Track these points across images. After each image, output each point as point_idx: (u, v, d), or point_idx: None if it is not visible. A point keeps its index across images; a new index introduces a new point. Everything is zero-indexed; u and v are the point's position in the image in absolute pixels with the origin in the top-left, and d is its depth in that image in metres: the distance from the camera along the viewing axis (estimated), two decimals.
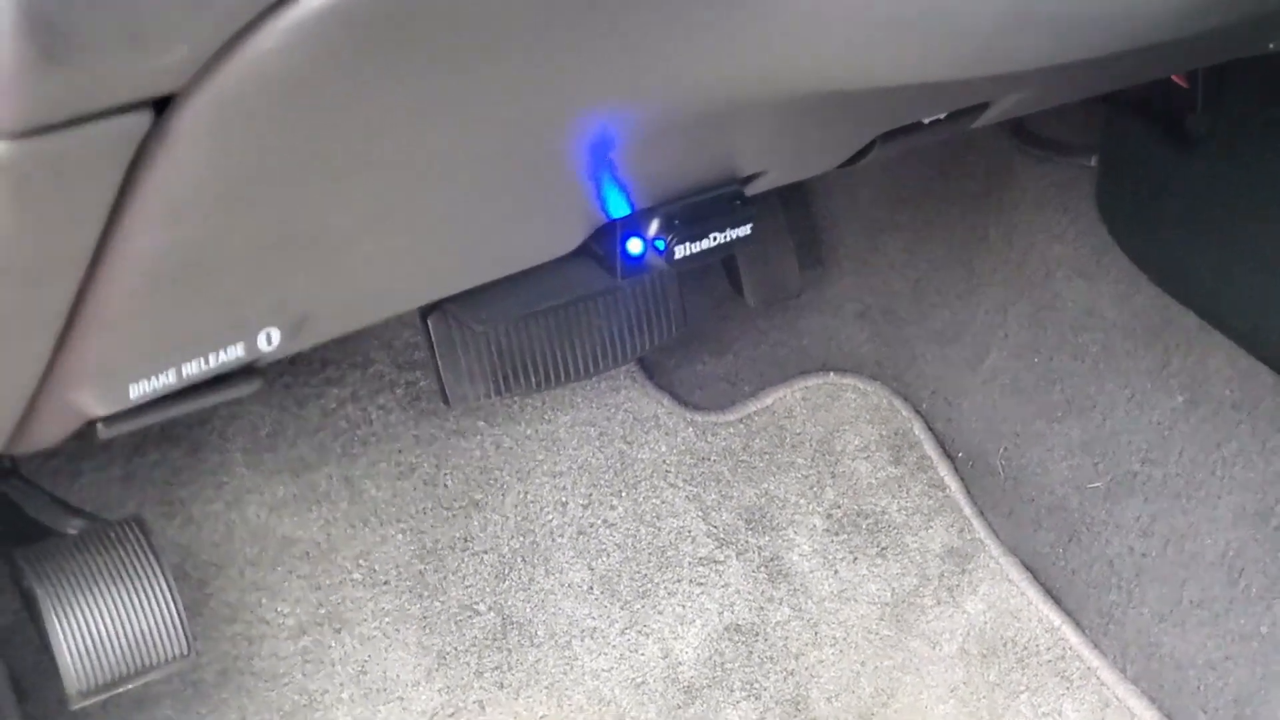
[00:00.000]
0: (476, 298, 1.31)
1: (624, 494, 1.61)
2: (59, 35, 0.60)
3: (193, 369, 0.93)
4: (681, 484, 1.63)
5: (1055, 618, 1.54)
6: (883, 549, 1.61)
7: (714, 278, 1.74)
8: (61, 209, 0.71)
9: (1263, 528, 1.45)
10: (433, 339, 1.46)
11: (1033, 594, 1.56)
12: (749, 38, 0.82)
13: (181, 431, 1.54)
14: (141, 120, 0.67)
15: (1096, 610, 1.53)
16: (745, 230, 1.12)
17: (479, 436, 1.62)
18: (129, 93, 0.65)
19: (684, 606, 1.54)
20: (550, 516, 1.59)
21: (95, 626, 1.11)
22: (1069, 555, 1.56)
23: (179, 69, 0.65)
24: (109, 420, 0.96)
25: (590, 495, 1.61)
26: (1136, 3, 0.83)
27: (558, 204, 1.03)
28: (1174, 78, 1.46)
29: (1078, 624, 1.53)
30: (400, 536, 1.55)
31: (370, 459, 1.58)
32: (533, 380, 1.52)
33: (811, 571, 1.58)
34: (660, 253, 1.11)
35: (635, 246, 1.12)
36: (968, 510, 1.63)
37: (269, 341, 0.95)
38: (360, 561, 1.53)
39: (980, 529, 1.61)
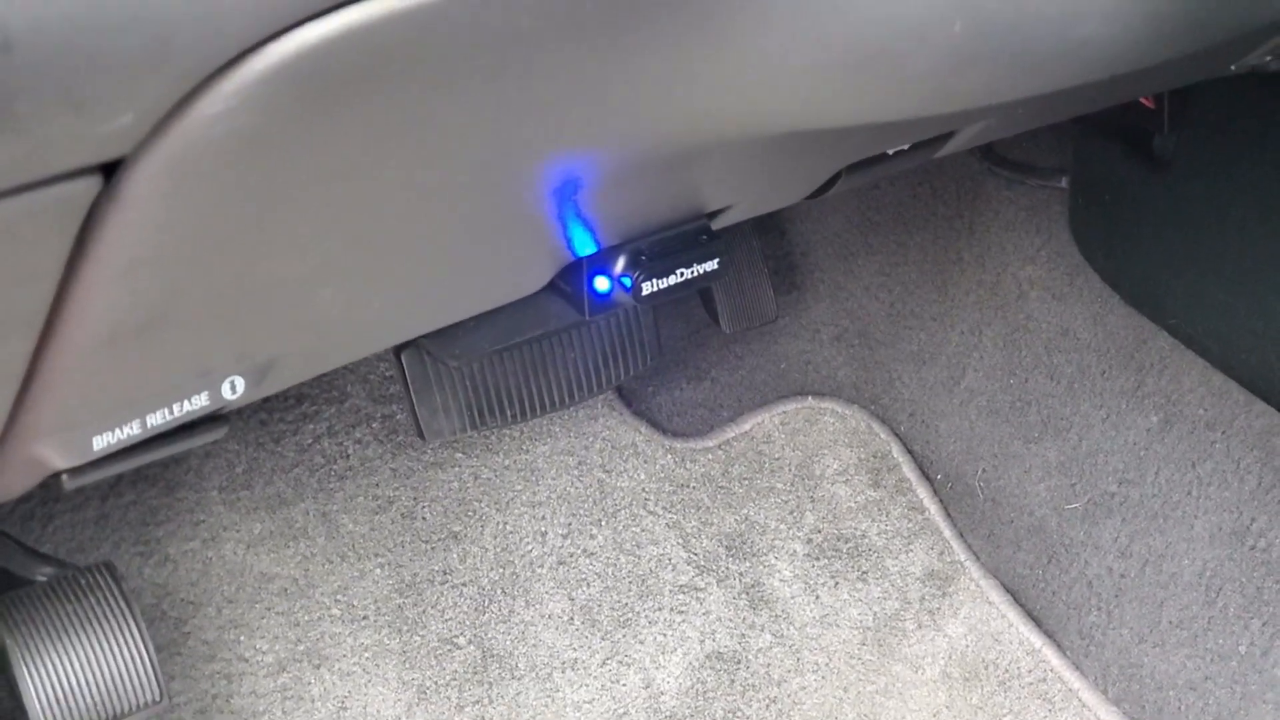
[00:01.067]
0: (450, 333, 1.31)
1: (603, 523, 1.61)
2: (1, 105, 0.60)
3: (157, 419, 0.93)
4: (661, 511, 1.63)
5: (1036, 640, 1.54)
6: (864, 573, 1.60)
7: (690, 305, 1.74)
8: (13, 270, 0.71)
9: (1239, 547, 1.45)
10: (407, 375, 1.45)
11: (1013, 616, 1.56)
12: (706, 83, 0.82)
13: (157, 471, 1.54)
14: (90, 185, 0.67)
15: (1077, 631, 1.53)
16: (713, 265, 1.12)
17: (457, 468, 1.62)
18: (76, 159, 0.65)
19: (665, 635, 1.54)
20: (530, 547, 1.58)
21: (66, 675, 1.10)
22: (1049, 576, 1.56)
23: (126, 135, 0.65)
24: (73, 472, 0.95)
25: (570, 525, 1.60)
26: (1091, 40, 0.83)
27: (522, 245, 1.03)
28: (1140, 99, 1.47)
29: (1059, 646, 1.53)
30: (379, 571, 1.54)
31: (347, 493, 1.58)
32: (508, 414, 1.52)
33: (793, 597, 1.58)
34: (627, 290, 1.11)
35: (602, 284, 1.12)
36: (947, 532, 1.63)
37: (234, 389, 0.95)
38: (339, 597, 1.52)
39: (960, 551, 1.62)
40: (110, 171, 0.68)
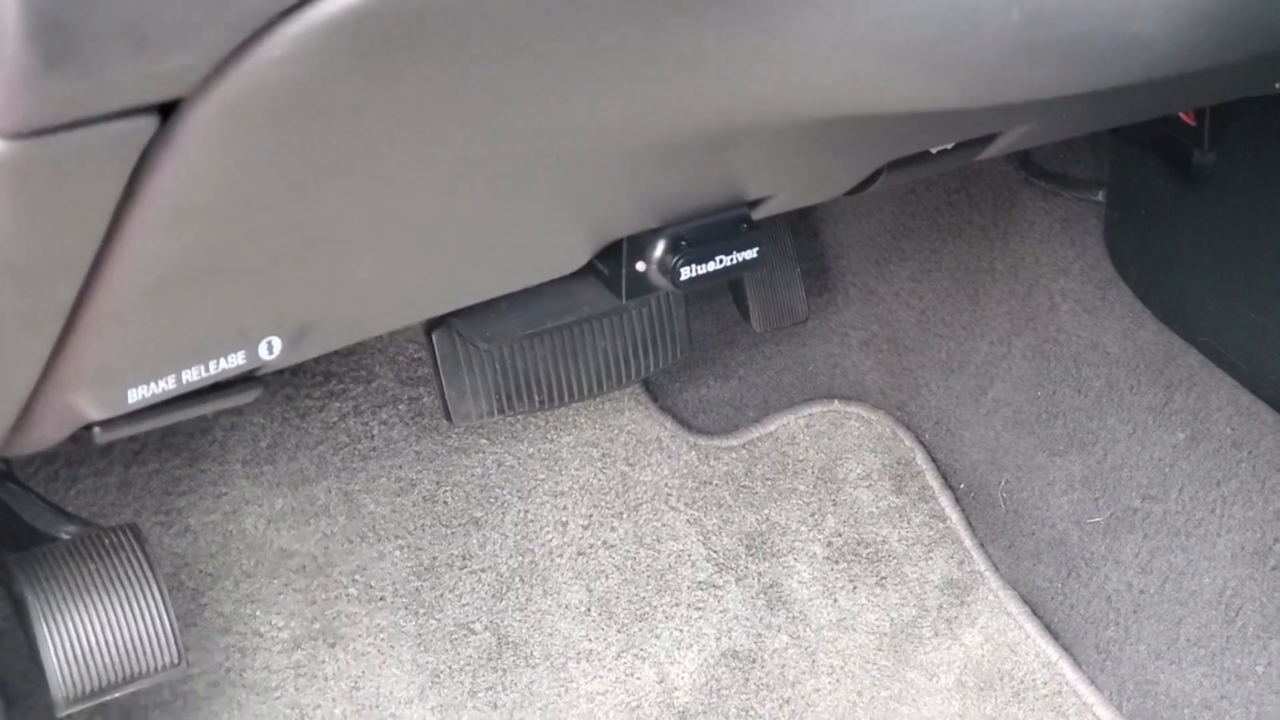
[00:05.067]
0: (481, 315, 1.31)
1: (625, 516, 1.61)
2: (64, 38, 0.60)
3: (193, 375, 0.93)
4: (683, 507, 1.63)
5: (1052, 652, 1.53)
6: (882, 579, 1.60)
7: (720, 302, 1.74)
8: (64, 211, 0.71)
9: (1260, 567, 1.45)
10: (437, 356, 1.45)
11: (1031, 628, 1.55)
12: (759, 64, 0.82)
13: (181, 441, 1.54)
14: (147, 125, 0.67)
15: (1094, 646, 1.52)
16: (752, 254, 1.12)
17: (480, 454, 1.62)
18: (134, 97, 0.65)
19: (681, 631, 1.54)
20: (550, 536, 1.58)
21: (85, 633, 1.10)
22: (1068, 590, 1.56)
23: (186, 75, 0.65)
24: (106, 425, 0.96)
25: (591, 516, 1.60)
26: (1141, 37, 0.83)
27: (564, 220, 1.03)
28: (1181, 114, 1.46)
29: (1075, 659, 1.53)
30: (398, 553, 1.54)
31: (370, 474, 1.58)
32: (536, 400, 1.52)
33: (810, 599, 1.58)
34: (667, 273, 1.11)
35: (641, 266, 1.11)
36: (968, 542, 1.63)
37: (270, 350, 0.95)
38: (357, 577, 1.52)
39: (980, 561, 1.61)
40: (167, 113, 0.68)
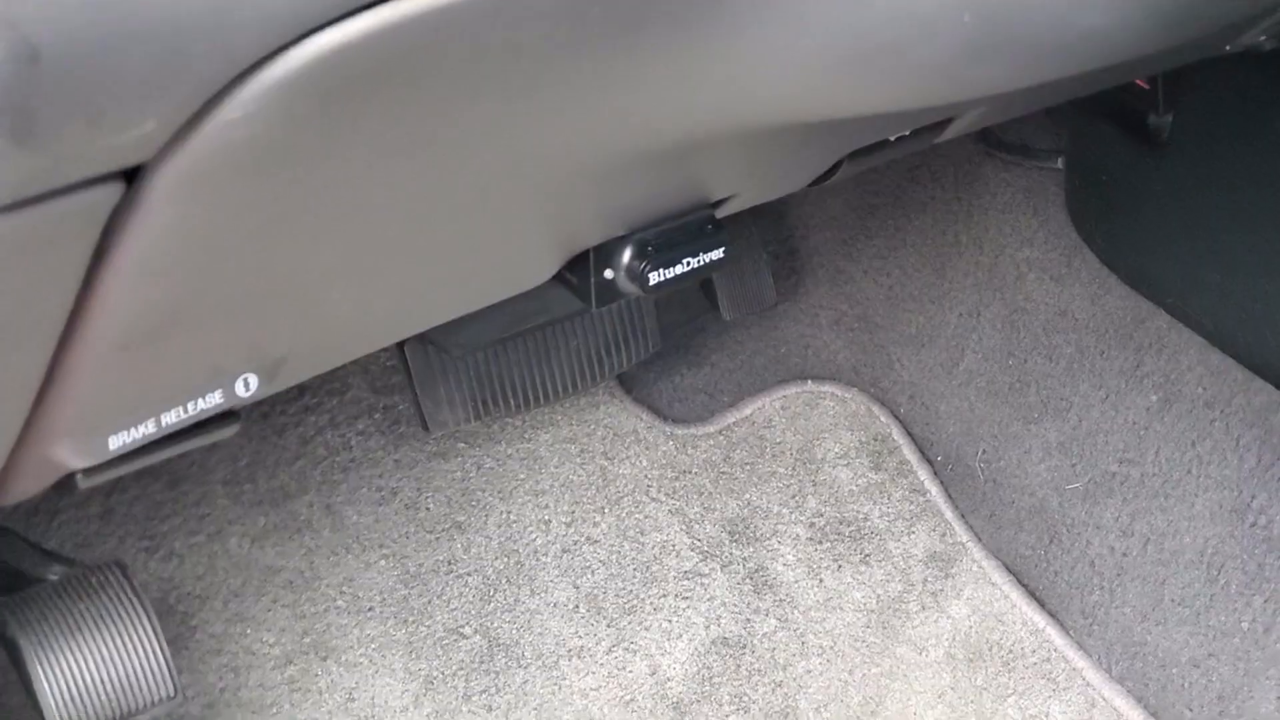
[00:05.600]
0: (453, 324, 1.31)
1: (607, 510, 1.62)
2: (24, 117, 0.60)
3: (171, 418, 0.94)
4: (664, 498, 1.63)
5: (1039, 619, 1.55)
6: (866, 556, 1.61)
7: (688, 292, 1.75)
8: (35, 277, 0.72)
9: (1239, 524, 1.46)
10: (410, 367, 1.46)
11: (1016, 596, 1.57)
12: (715, 79, 0.82)
13: (160, 465, 1.54)
14: (112, 191, 0.68)
15: (1080, 611, 1.54)
16: (719, 254, 1.13)
17: (459, 458, 1.62)
18: (97, 166, 0.66)
19: (670, 622, 1.55)
20: (534, 536, 1.59)
21: (80, 673, 1.11)
22: (1051, 556, 1.57)
23: (146, 142, 0.65)
24: (88, 472, 0.96)
25: (573, 513, 1.61)
26: (1092, 29, 0.84)
27: (530, 238, 1.03)
28: (1135, 80, 1.47)
29: (1062, 625, 1.54)
30: (383, 562, 1.55)
31: (351, 485, 1.58)
32: (512, 403, 1.52)
33: (796, 581, 1.59)
34: (635, 279, 1.11)
35: (609, 274, 1.12)
36: (949, 514, 1.64)
37: (247, 387, 0.96)
38: (344, 589, 1.53)
39: (962, 533, 1.62)
40: (131, 178, 0.68)
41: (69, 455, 0.92)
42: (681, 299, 1.75)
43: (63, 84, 0.61)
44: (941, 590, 1.59)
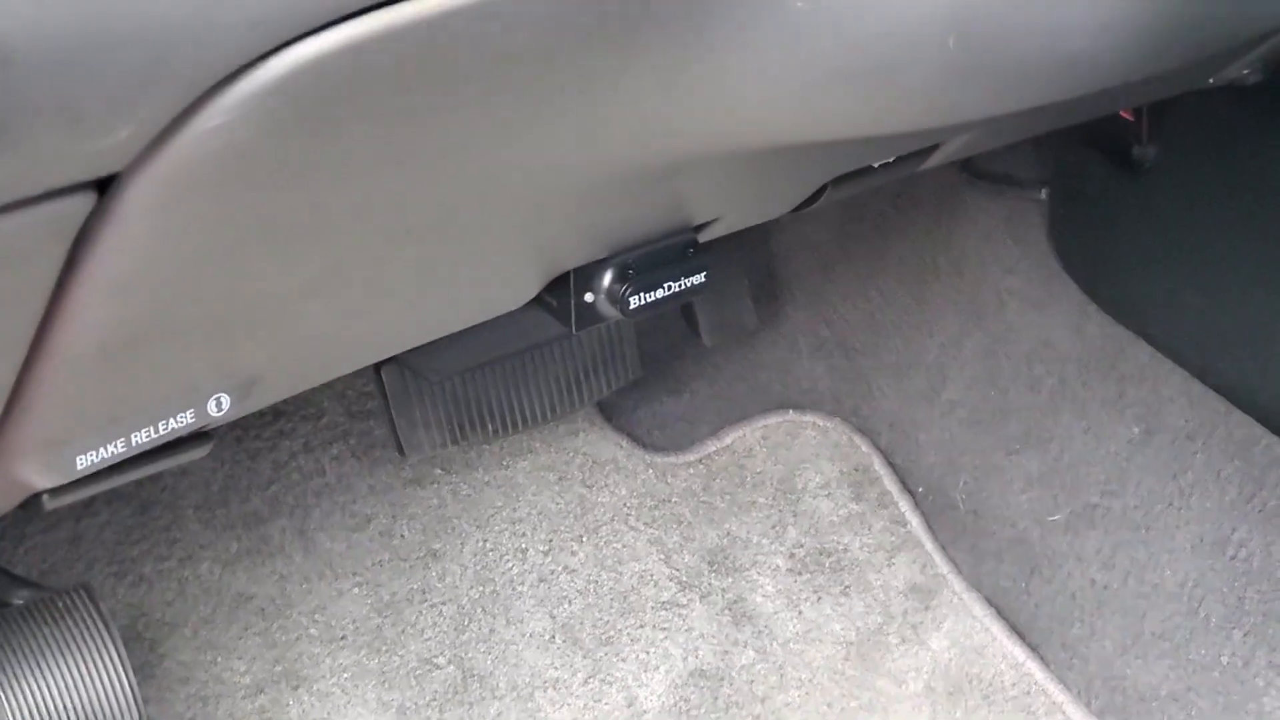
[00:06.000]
0: (430, 348, 1.29)
1: (584, 539, 1.60)
2: None
3: (141, 438, 0.92)
4: (642, 527, 1.62)
5: (1019, 653, 1.53)
6: (846, 587, 1.60)
7: (669, 318, 1.73)
8: (4, 288, 0.70)
9: (1220, 557, 1.45)
10: (386, 390, 1.44)
11: (996, 629, 1.55)
12: (702, 99, 0.81)
13: (131, 489, 1.52)
14: (85, 200, 0.66)
15: (1060, 644, 1.53)
16: (700, 278, 1.12)
17: (436, 485, 1.61)
18: (71, 175, 0.64)
19: (648, 653, 1.53)
20: (510, 564, 1.57)
21: (44, 700, 1.08)
22: (1031, 589, 1.56)
23: (121, 150, 0.64)
24: (54, 491, 0.94)
25: (550, 541, 1.59)
26: (1079, 55, 0.83)
27: (510, 257, 1.02)
28: (1120, 111, 1.47)
29: (1042, 659, 1.53)
30: (357, 590, 1.53)
31: (324, 511, 1.56)
32: (489, 429, 1.51)
33: (775, 613, 1.57)
34: (615, 303, 1.10)
35: (589, 297, 1.11)
36: (929, 546, 1.62)
37: (219, 407, 0.94)
38: (316, 616, 1.50)
39: (942, 564, 1.61)
40: (104, 187, 0.67)
41: (34, 474, 0.90)
42: (661, 324, 1.74)
43: (36, 88, 0.59)
44: (921, 623, 1.57)
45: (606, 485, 1.64)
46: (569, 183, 0.92)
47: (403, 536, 1.57)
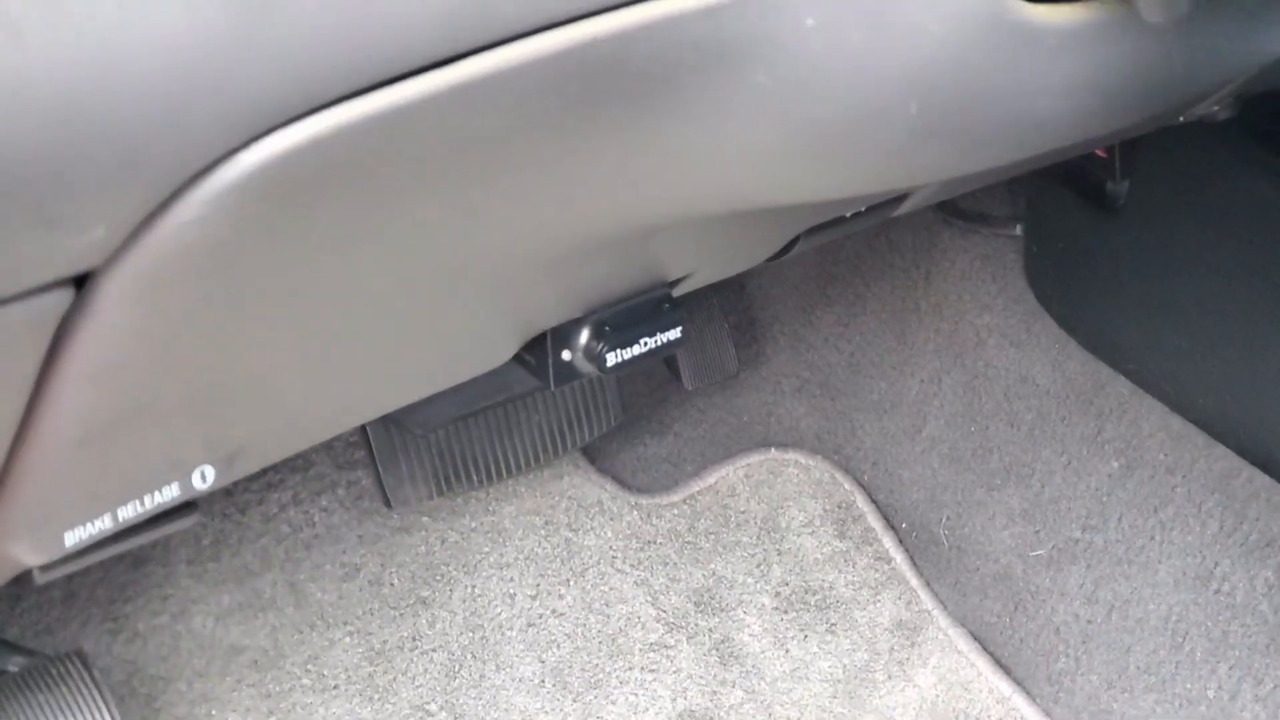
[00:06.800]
0: (414, 403, 1.31)
1: (572, 582, 1.61)
2: None
3: (128, 512, 0.93)
4: (629, 569, 1.63)
5: (1005, 687, 1.55)
6: (832, 625, 1.61)
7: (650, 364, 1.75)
8: None
9: (1203, 591, 1.47)
10: (372, 445, 1.45)
11: (982, 664, 1.57)
12: (671, 170, 0.83)
13: None
14: (62, 297, 0.68)
15: (1046, 678, 1.54)
16: (676, 334, 1.13)
17: (423, 532, 1.62)
18: (46, 274, 0.65)
19: (636, 695, 1.54)
20: (499, 610, 1.58)
21: None
22: (1016, 624, 1.57)
23: (97, 248, 0.65)
24: (45, 568, 0.95)
25: (538, 585, 1.60)
26: (1042, 116, 0.84)
27: (486, 323, 1.04)
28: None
29: (1028, 693, 1.54)
30: (348, 639, 1.54)
31: (314, 562, 1.58)
32: (474, 479, 1.52)
33: (763, 652, 1.58)
34: (593, 360, 1.11)
35: (567, 355, 1.12)
36: (914, 582, 1.64)
37: (204, 479, 0.95)
38: (309, 666, 1.52)
39: (927, 600, 1.62)
40: (81, 282, 0.68)
41: (24, 552, 0.91)
42: (643, 368, 1.75)
43: (9, 192, 0.60)
44: (908, 659, 1.58)
45: (592, 528, 1.65)
46: (541, 252, 0.93)
47: (392, 585, 1.58)
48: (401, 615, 1.56)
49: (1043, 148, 0.89)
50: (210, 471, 0.94)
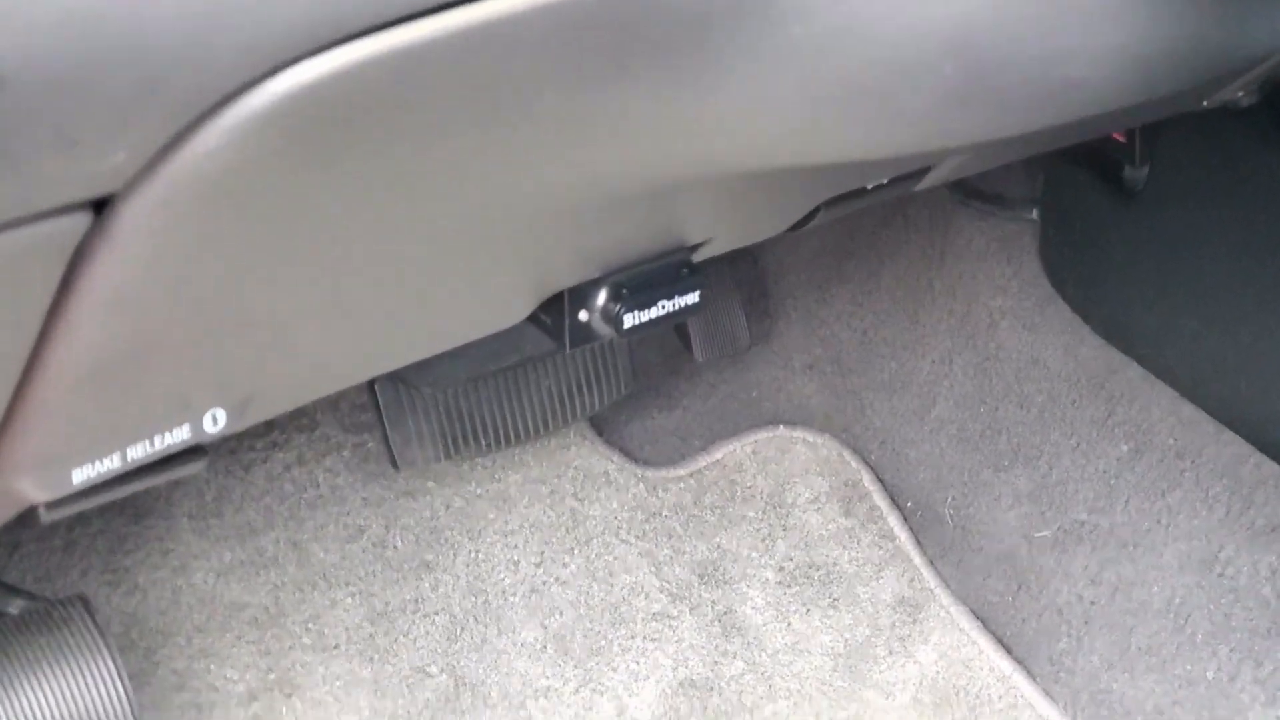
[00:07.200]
0: (425, 362, 1.30)
1: (576, 551, 1.61)
2: None
3: (137, 452, 0.93)
4: (633, 540, 1.63)
5: (1006, 666, 1.55)
6: (835, 600, 1.61)
7: (662, 333, 1.74)
8: (1, 306, 0.71)
9: (1207, 575, 1.46)
10: (380, 404, 1.45)
11: (984, 643, 1.56)
12: (698, 124, 0.82)
13: (125, 499, 1.52)
14: (80, 221, 0.67)
15: (1047, 658, 1.54)
16: (694, 298, 1.13)
17: (428, 497, 1.61)
18: (66, 196, 0.65)
19: (638, 663, 1.54)
20: (502, 575, 1.58)
21: (40, 709, 1.09)
22: (1019, 604, 1.57)
23: (117, 172, 0.65)
24: (51, 505, 0.95)
25: (542, 553, 1.60)
26: (1074, 81, 0.84)
27: (506, 277, 1.03)
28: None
29: (1029, 672, 1.54)
30: (350, 600, 1.54)
31: (318, 522, 1.57)
32: (482, 442, 1.52)
33: (765, 625, 1.58)
34: (610, 322, 1.11)
35: (584, 316, 1.11)
36: (918, 560, 1.63)
37: (215, 422, 0.95)
38: (309, 625, 1.51)
39: (930, 579, 1.62)
40: (100, 208, 0.68)
41: (32, 488, 0.91)
42: (654, 340, 1.75)
43: (31, 111, 0.60)
44: (909, 635, 1.58)
45: (598, 498, 1.65)
46: (564, 204, 0.93)
47: (396, 547, 1.58)
48: (404, 578, 1.56)
49: (1072, 116, 0.88)
50: (222, 415, 0.94)
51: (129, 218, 0.68)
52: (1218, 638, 1.45)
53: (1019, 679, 1.54)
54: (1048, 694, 1.52)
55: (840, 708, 1.53)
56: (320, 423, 1.62)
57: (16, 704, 1.09)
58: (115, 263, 0.70)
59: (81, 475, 0.91)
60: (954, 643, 1.57)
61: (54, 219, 0.66)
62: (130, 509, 1.53)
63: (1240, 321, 1.44)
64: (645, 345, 1.73)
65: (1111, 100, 0.87)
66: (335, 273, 0.85)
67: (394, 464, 1.47)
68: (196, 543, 1.53)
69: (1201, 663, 1.45)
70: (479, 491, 1.63)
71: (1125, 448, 1.55)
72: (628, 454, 1.70)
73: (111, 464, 0.91)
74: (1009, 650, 1.56)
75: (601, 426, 1.72)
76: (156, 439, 0.92)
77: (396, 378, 1.43)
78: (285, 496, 1.58)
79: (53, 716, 1.10)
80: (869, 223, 1.76)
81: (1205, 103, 1.22)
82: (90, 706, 1.11)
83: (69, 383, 0.81)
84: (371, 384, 1.44)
